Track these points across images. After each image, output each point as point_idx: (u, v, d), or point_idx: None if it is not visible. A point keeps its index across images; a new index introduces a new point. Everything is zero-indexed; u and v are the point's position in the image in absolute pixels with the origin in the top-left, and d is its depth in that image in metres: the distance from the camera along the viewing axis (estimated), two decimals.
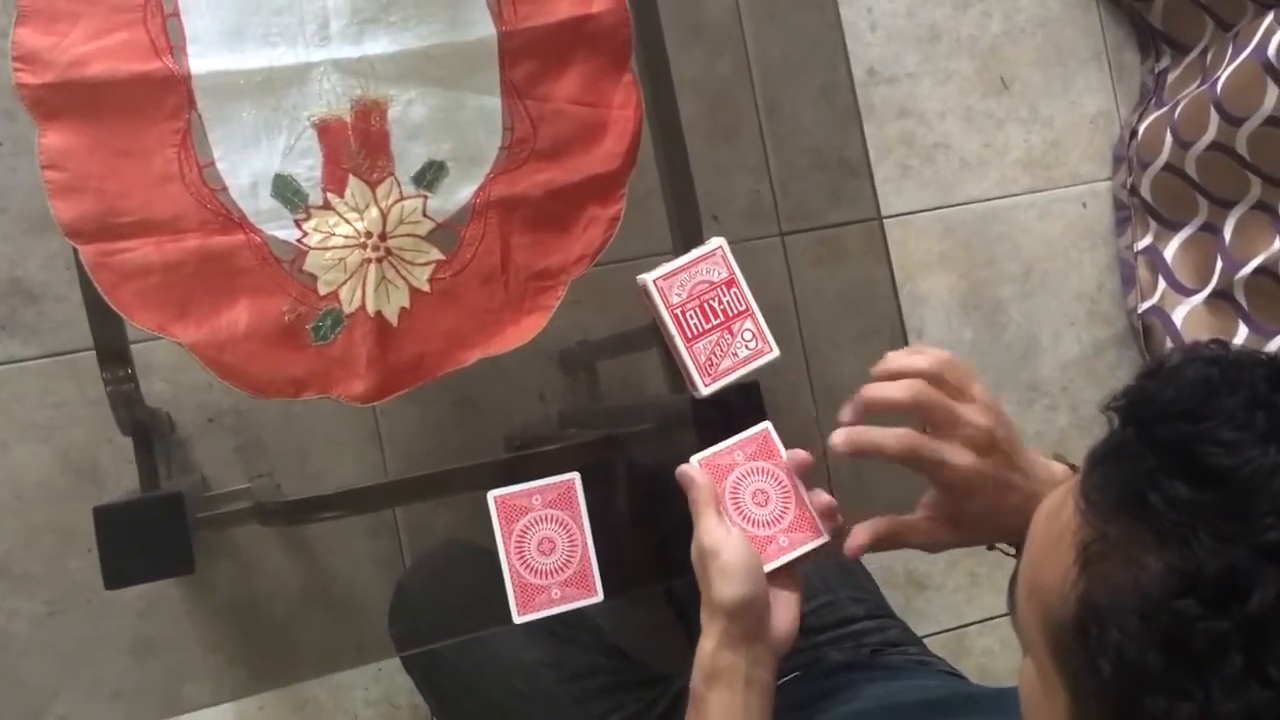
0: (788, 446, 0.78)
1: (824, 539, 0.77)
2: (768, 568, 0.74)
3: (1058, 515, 0.50)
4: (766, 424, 0.79)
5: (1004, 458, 0.70)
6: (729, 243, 0.85)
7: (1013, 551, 0.72)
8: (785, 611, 0.74)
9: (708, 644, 0.72)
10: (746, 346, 0.84)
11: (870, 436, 0.71)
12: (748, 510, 0.76)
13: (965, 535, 0.73)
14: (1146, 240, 1.61)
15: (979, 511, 0.71)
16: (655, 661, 1.04)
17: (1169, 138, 1.53)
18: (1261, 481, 0.42)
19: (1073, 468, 0.73)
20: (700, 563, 0.73)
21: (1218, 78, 1.42)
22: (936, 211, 1.60)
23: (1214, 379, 0.46)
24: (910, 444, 0.70)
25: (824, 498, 0.77)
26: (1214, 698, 0.41)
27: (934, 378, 0.70)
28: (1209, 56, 1.55)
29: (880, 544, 0.74)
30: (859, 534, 0.74)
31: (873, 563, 1.14)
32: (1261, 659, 0.40)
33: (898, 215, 1.58)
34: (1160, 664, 0.42)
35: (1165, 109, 1.56)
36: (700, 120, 1.12)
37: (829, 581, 1.04)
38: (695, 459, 0.77)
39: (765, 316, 0.84)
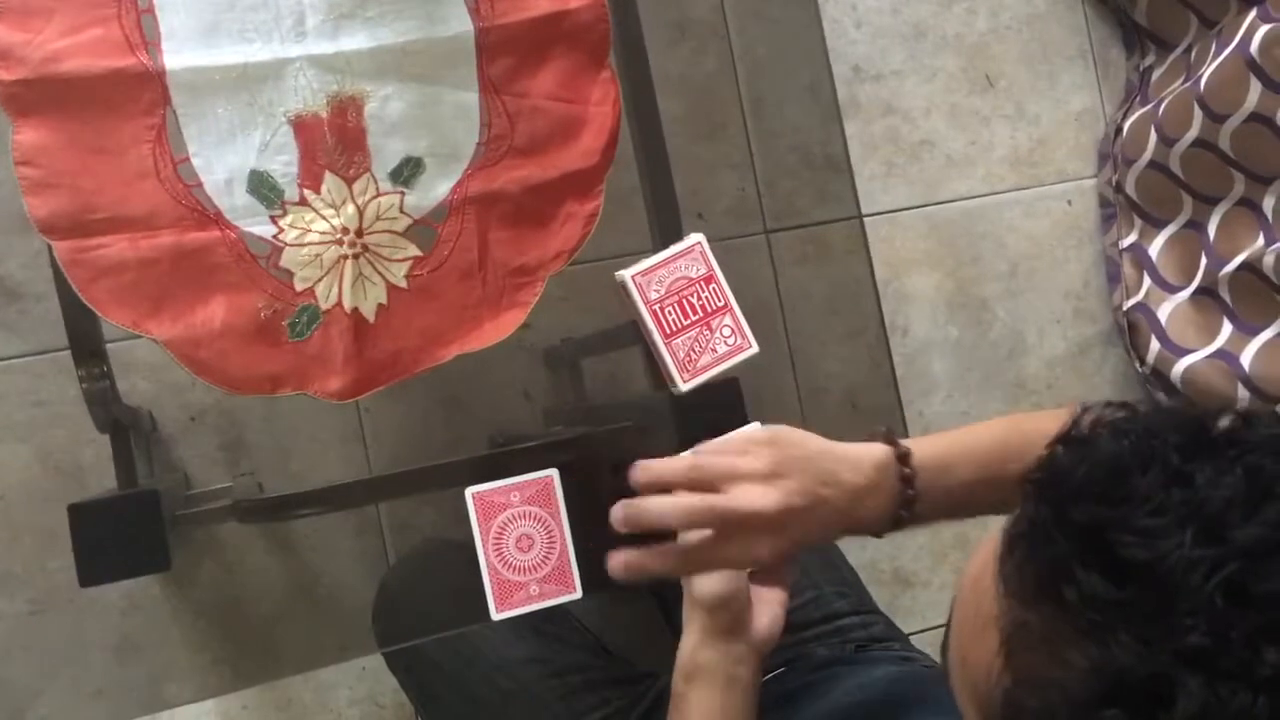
0: None
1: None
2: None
3: (980, 583, 0.48)
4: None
5: (803, 474, 0.67)
6: (714, 241, 0.85)
7: None
8: (768, 611, 0.74)
9: (689, 641, 0.72)
10: (725, 343, 0.84)
11: (648, 509, 0.65)
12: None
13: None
14: (1131, 237, 1.62)
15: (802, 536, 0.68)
16: (639, 658, 1.04)
17: (1153, 135, 1.53)
18: (1180, 578, 0.41)
19: (890, 441, 0.70)
20: None
21: (1201, 75, 1.42)
22: (922, 209, 1.60)
23: (1125, 455, 0.45)
24: (691, 506, 0.65)
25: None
26: None
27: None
28: (1193, 53, 1.55)
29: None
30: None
31: (858, 559, 1.14)
32: None
33: (883, 213, 1.58)
34: None
35: (1150, 106, 1.57)
36: (685, 118, 1.12)
37: (814, 577, 1.04)
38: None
39: (750, 314, 0.84)
